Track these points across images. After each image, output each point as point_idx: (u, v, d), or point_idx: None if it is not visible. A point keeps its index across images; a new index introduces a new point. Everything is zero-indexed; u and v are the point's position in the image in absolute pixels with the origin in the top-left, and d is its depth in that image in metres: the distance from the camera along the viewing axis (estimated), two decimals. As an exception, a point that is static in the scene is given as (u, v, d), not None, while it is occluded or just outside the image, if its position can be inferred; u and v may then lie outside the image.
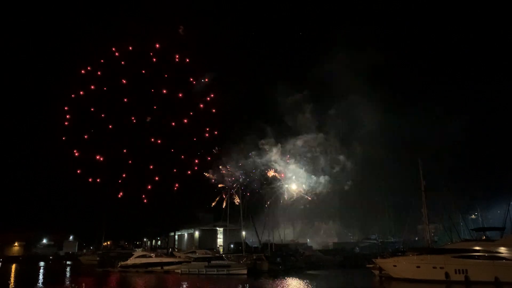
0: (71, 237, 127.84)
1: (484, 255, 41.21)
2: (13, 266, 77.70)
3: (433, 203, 53.58)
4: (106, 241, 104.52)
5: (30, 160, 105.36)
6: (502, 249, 40.94)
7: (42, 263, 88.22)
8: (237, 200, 69.68)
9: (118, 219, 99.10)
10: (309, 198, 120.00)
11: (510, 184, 52.90)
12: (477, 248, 42.05)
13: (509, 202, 49.02)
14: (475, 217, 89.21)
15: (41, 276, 58.27)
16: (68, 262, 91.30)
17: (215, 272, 53.40)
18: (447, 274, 41.13)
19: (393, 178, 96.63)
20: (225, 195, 77.89)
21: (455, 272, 41.02)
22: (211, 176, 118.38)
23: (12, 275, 60.00)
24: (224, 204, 74.54)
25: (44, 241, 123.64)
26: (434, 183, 58.13)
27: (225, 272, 53.10)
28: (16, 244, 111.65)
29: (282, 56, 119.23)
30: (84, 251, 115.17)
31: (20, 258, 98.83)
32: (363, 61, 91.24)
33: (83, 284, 30.27)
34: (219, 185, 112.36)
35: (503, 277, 38.68)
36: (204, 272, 53.72)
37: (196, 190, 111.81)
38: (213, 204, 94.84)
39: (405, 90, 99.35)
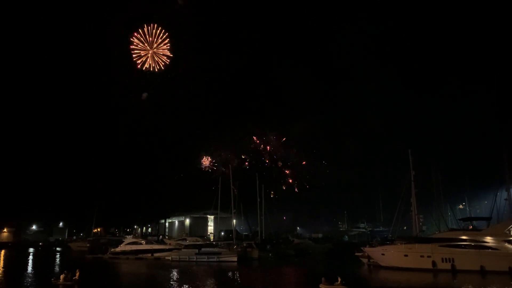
0: (61, 224, 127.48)
1: (471, 244, 41.89)
2: (2, 252, 77.39)
3: (422, 193, 54.12)
4: (96, 228, 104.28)
5: (19, 146, 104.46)
6: (488, 239, 41.64)
7: (31, 250, 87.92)
8: (232, 188, 69.82)
9: (108, 206, 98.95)
10: (307, 186, 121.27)
11: (497, 175, 53.50)
12: (464, 237, 42.71)
13: (496, 193, 49.82)
14: (463, 207, 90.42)
15: (31, 263, 58.14)
16: (58, 249, 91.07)
17: (205, 259, 53.67)
18: (434, 263, 41.78)
19: (384, 167, 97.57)
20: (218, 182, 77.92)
21: (442, 261, 41.68)
22: (205, 161, 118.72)
23: (1, 261, 59.76)
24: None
25: (34, 227, 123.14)
26: (423, 173, 58.79)
27: (215, 260, 53.39)
28: (5, 230, 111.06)
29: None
30: (74, 237, 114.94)
31: (9, 244, 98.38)
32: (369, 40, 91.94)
33: (77, 271, 30.17)
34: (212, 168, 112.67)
35: (488, 265, 39.40)
36: (195, 259, 53.95)
37: (189, 177, 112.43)
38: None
39: (404, 78, 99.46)
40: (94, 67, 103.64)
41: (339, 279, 26.94)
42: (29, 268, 48.20)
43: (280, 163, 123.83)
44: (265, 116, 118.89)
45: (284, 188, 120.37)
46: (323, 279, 27.44)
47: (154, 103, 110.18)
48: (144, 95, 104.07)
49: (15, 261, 59.48)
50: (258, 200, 73.98)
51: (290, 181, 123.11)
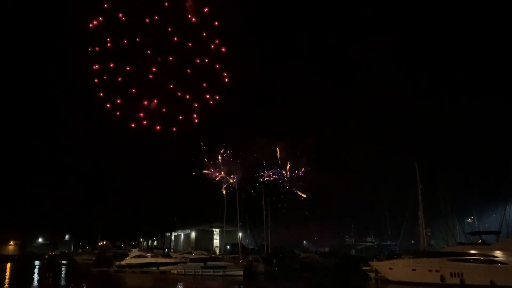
0: (67, 237, 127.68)
1: (480, 259, 41.32)
2: (8, 265, 77.44)
3: (429, 207, 53.70)
4: (102, 240, 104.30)
5: (25, 157, 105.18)
6: (498, 253, 41.08)
7: (37, 262, 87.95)
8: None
9: (114, 219, 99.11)
10: (304, 196, 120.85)
11: (506, 189, 52.93)
12: (473, 251, 42.18)
13: (505, 206, 49.31)
14: (471, 220, 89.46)
15: (36, 276, 58.09)
16: (64, 262, 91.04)
17: (211, 273, 53.38)
18: (442, 277, 41.22)
19: (391, 181, 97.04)
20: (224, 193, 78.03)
21: (451, 276, 41.11)
22: (210, 172, 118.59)
23: (7, 274, 59.76)
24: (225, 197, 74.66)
25: (40, 240, 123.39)
26: (431, 187, 58.39)
27: (221, 273, 53.07)
28: (11, 243, 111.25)
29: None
30: (80, 250, 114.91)
31: (15, 257, 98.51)
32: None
33: (83, 284, 30.16)
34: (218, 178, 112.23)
35: (498, 280, 38.78)
36: (200, 273, 53.66)
37: (195, 189, 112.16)
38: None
39: (413, 89, 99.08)
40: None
41: None
42: (35, 282, 48.12)
43: (287, 174, 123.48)
44: (273, 126, 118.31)
45: (289, 205, 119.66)
46: None
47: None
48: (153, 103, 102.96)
49: (21, 274, 59.47)
50: (264, 213, 73.75)
51: (299, 193, 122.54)
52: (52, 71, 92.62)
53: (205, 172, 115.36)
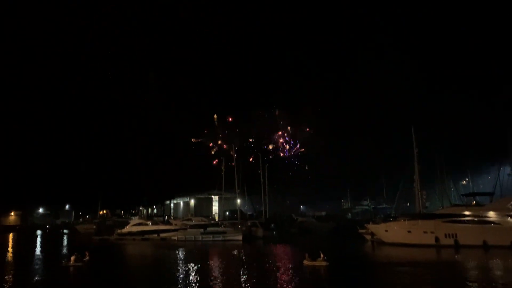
0: (67, 206, 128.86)
1: (474, 220, 42.23)
2: (10, 235, 78.56)
3: (425, 170, 54.30)
4: (102, 210, 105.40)
5: (25, 129, 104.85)
6: (491, 214, 41.95)
7: (39, 232, 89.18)
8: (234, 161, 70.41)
9: (114, 188, 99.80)
10: (303, 149, 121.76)
11: (500, 151, 53.51)
12: (467, 213, 43.03)
13: (499, 168, 49.99)
14: (465, 183, 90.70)
15: (39, 245, 59.08)
16: (65, 231, 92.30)
17: (211, 239, 54.41)
18: (437, 239, 42.22)
19: (387, 145, 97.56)
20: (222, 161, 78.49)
21: (445, 237, 42.10)
22: (208, 141, 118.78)
23: (10, 244, 60.74)
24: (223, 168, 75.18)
25: (40, 210, 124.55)
26: (427, 150, 58.83)
27: (220, 239, 54.13)
28: (12, 213, 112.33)
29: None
30: (81, 220, 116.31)
31: (17, 228, 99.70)
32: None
33: (87, 252, 30.69)
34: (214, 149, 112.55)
35: (491, 240, 39.80)
36: (200, 239, 54.69)
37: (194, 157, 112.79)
38: (215, 162, 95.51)
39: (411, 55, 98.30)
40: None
41: (322, 255, 28.14)
42: (38, 251, 49.01)
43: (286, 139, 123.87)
44: (274, 95, 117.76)
45: (287, 171, 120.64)
46: (306, 255, 28.76)
47: (159, 79, 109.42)
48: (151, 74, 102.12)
49: (24, 244, 60.41)
50: (262, 180, 74.40)
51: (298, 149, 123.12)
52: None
53: (204, 141, 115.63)
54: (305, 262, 28.21)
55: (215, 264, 32.07)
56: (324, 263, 27.46)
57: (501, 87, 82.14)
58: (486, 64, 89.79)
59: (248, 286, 21.63)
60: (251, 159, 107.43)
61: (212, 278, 24.55)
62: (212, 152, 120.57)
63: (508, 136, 49.86)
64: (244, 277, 24.65)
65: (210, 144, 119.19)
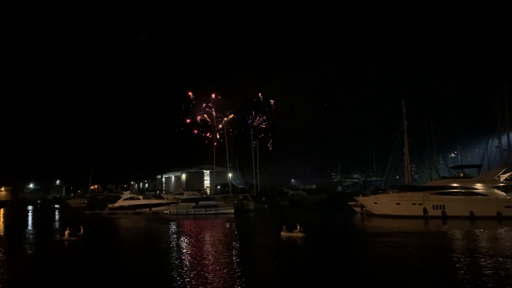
0: (58, 181, 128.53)
1: (461, 191, 43.03)
2: (1, 211, 78.48)
3: (415, 143, 54.81)
4: (93, 184, 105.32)
5: (14, 104, 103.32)
6: (478, 185, 42.74)
7: (30, 207, 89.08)
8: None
9: (105, 162, 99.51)
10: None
11: (488, 123, 54.01)
12: (455, 185, 43.79)
13: (487, 141, 50.58)
14: (454, 155, 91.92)
15: (31, 220, 59.18)
16: (57, 206, 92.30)
17: (203, 212, 54.85)
18: (425, 210, 43.06)
19: (377, 117, 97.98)
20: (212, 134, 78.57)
21: (433, 208, 42.95)
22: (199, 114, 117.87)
23: (2, 219, 60.75)
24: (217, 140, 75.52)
25: (31, 185, 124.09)
26: (416, 123, 59.23)
27: (213, 212, 54.62)
28: (2, 189, 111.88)
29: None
30: (72, 194, 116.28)
31: (8, 203, 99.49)
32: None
33: (81, 227, 30.84)
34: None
35: (477, 211, 40.69)
36: (192, 213, 55.08)
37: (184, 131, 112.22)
38: (208, 134, 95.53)
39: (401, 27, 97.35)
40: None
41: (298, 227, 28.93)
42: (30, 226, 49.13)
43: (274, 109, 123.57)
44: (264, 63, 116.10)
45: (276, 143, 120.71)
46: (283, 227, 29.52)
47: (149, 46, 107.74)
48: (141, 35, 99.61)
49: (16, 219, 60.46)
50: (253, 154, 74.66)
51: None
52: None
53: (194, 117, 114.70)
54: (282, 233, 29.08)
55: (205, 237, 32.56)
56: (300, 234, 28.20)
57: (489, 60, 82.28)
58: (476, 37, 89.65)
59: (225, 257, 22.21)
60: (236, 132, 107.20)
61: (201, 250, 25.11)
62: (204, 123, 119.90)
63: (496, 109, 50.24)
64: (224, 248, 25.41)
65: (198, 118, 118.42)
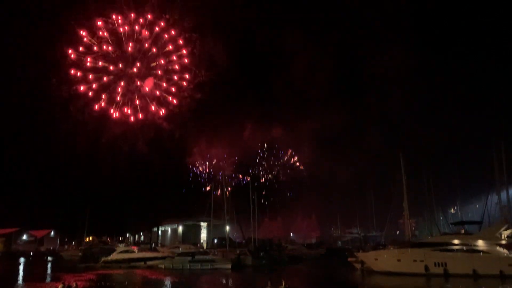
0: (52, 233, 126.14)
1: (463, 249, 42.26)
2: (-8, 263, 76.36)
3: (414, 197, 54.53)
4: (88, 236, 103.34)
5: (7, 155, 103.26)
6: (480, 243, 42.04)
7: (22, 260, 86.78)
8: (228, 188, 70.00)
9: (100, 214, 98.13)
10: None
11: (488, 180, 54.08)
12: (456, 241, 43.08)
13: (487, 197, 50.39)
14: (454, 211, 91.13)
15: (22, 273, 57.48)
16: (50, 258, 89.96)
17: (199, 267, 53.47)
18: (426, 267, 42.05)
19: (376, 172, 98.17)
20: (210, 187, 78.00)
21: (435, 265, 41.97)
22: (196, 164, 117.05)
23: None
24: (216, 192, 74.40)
25: (24, 237, 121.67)
26: (415, 177, 59.25)
27: (209, 267, 53.23)
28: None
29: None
30: (66, 246, 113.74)
31: (0, 255, 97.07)
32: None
33: (74, 282, 29.79)
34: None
35: (480, 269, 39.73)
36: (188, 267, 53.69)
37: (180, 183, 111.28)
38: (208, 188, 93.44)
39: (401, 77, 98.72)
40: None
41: (283, 283, 27.74)
42: (21, 280, 47.63)
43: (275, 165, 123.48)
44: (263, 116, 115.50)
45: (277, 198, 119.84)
46: (268, 282, 28.44)
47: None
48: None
49: (7, 271, 58.68)
50: (251, 207, 74.01)
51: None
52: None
53: (192, 167, 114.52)
54: None
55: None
56: None
57: (490, 115, 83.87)
58: (475, 90, 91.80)
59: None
60: (238, 180, 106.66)
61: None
62: (202, 176, 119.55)
63: (493, 165, 50.52)
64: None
65: (198, 168, 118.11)
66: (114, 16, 67.34)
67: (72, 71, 67.33)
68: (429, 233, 57.30)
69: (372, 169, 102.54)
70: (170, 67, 71.82)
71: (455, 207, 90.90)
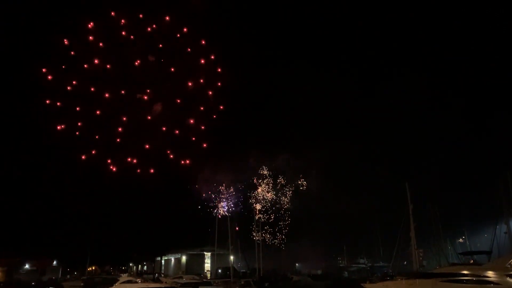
0: (54, 262, 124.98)
1: (472, 279, 41.19)
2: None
3: (421, 227, 53.91)
4: (90, 266, 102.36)
5: (10, 182, 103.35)
6: (490, 273, 41.03)
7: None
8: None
9: (103, 243, 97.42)
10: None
11: (496, 209, 53.46)
12: (465, 272, 42.09)
13: (495, 226, 49.73)
14: (462, 241, 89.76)
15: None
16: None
17: (202, 298, 52.62)
18: (435, 299, 41.02)
19: (381, 202, 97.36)
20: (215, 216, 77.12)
21: (444, 297, 40.93)
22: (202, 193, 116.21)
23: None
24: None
25: (27, 266, 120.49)
26: (422, 207, 58.69)
27: (213, 298, 52.37)
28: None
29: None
30: (68, 276, 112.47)
31: (1, 285, 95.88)
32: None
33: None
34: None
35: (491, 301, 38.68)
36: (191, 298, 52.87)
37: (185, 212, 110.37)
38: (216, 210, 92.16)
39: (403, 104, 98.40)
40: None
41: None
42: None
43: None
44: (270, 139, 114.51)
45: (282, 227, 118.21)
46: None
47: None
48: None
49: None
50: (256, 237, 73.27)
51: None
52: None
53: (197, 195, 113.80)
54: None
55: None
56: None
57: (495, 145, 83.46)
58: (481, 119, 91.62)
59: None
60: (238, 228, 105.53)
61: None
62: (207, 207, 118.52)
63: (500, 194, 50.10)
64: None
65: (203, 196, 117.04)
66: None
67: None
68: (437, 263, 56.19)
69: (378, 199, 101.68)
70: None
71: (463, 237, 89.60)
